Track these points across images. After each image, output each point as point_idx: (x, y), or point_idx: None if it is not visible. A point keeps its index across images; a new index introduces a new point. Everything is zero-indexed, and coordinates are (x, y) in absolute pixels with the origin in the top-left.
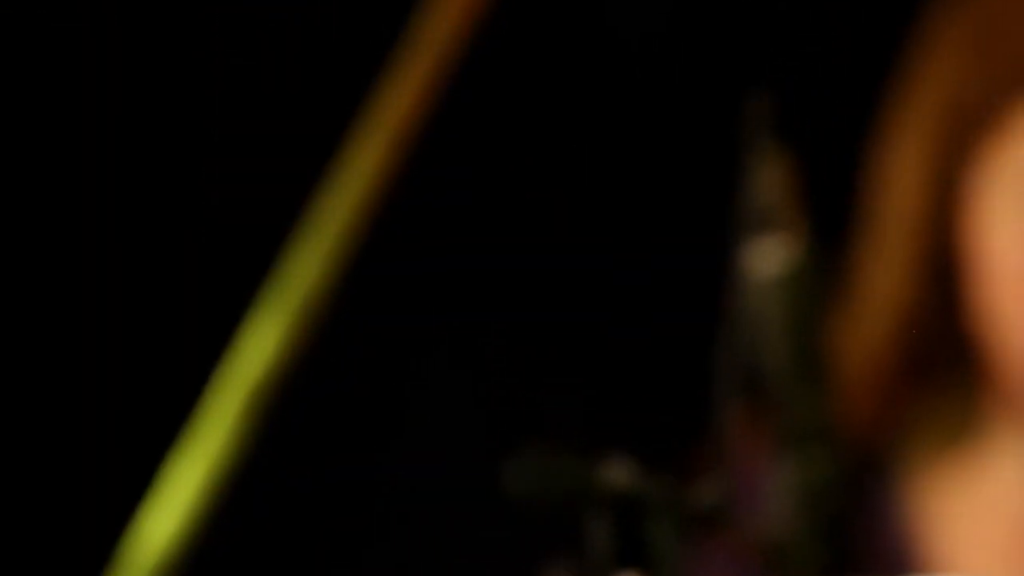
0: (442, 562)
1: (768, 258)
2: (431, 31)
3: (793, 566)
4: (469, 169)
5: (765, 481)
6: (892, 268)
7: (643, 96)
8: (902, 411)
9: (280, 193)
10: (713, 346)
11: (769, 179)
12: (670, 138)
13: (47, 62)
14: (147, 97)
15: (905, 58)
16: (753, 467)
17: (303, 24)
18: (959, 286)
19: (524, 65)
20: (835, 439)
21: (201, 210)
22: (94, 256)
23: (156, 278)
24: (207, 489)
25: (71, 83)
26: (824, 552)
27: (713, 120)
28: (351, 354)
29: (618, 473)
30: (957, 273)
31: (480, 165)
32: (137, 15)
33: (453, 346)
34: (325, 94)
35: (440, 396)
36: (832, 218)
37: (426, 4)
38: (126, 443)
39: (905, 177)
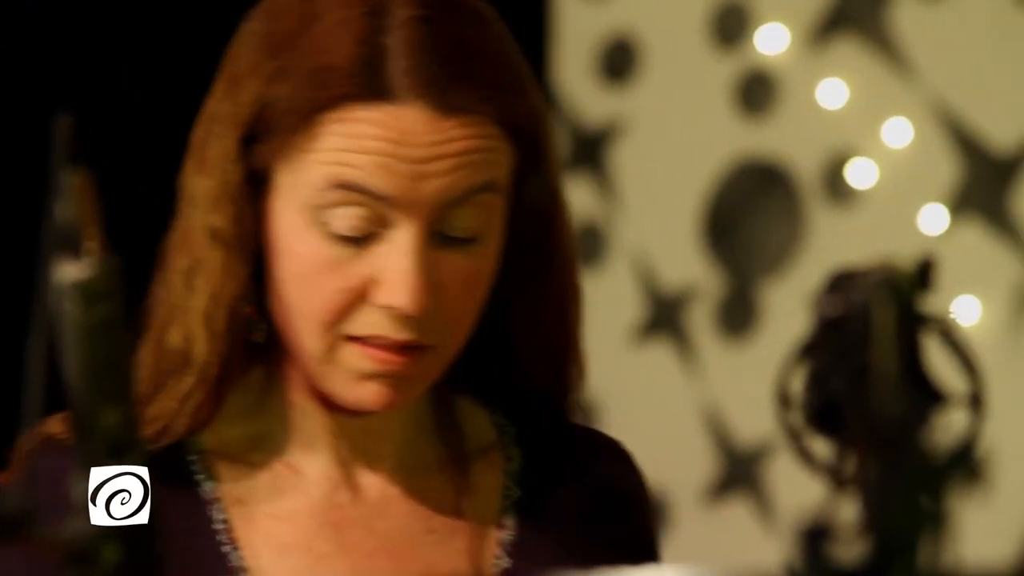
0: None
1: (71, 273)
2: None
3: (92, 569)
4: None
5: (70, 489)
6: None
7: None
8: (216, 411)
9: None
10: (25, 357)
11: (72, 197)
12: None
13: None
14: None
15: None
16: (62, 474)
17: None
18: (273, 288)
19: None
20: (137, 448)
21: None
22: None
23: None
24: None
25: None
26: (133, 556)
27: (24, 139)
28: None
29: None
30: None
31: None
32: None
33: None
34: None
35: None
36: (133, 233)
37: None
38: None
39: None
